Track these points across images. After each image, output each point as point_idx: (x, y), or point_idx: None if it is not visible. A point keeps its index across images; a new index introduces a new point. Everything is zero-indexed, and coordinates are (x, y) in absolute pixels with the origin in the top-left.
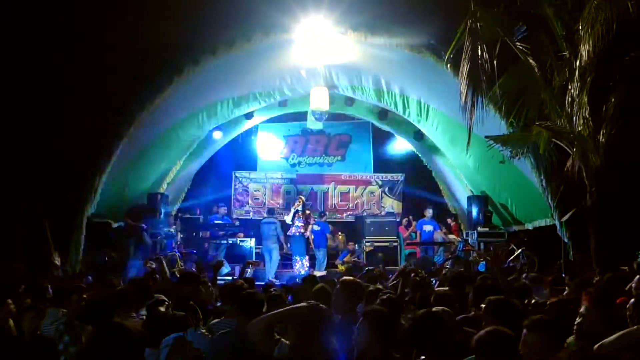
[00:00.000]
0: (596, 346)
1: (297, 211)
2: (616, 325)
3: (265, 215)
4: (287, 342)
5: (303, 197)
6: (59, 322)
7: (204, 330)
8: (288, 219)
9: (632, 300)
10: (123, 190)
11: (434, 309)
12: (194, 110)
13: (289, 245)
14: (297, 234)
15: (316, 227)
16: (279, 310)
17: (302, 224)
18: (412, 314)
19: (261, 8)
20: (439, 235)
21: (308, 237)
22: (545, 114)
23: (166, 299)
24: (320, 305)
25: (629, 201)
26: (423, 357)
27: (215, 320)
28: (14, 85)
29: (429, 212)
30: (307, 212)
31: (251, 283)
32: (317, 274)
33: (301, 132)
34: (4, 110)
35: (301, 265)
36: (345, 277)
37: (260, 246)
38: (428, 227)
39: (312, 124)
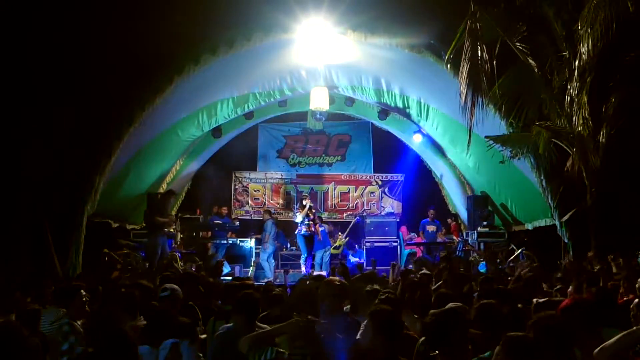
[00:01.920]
0: (597, 350)
1: (309, 208)
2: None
3: (267, 215)
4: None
5: (309, 196)
6: (61, 322)
7: (203, 335)
8: (299, 216)
9: (636, 300)
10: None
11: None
12: (194, 110)
13: (289, 245)
14: (308, 232)
15: (321, 228)
16: (268, 329)
17: (311, 222)
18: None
19: (261, 8)
20: (442, 236)
21: (318, 236)
22: (545, 114)
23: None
24: (310, 319)
25: (628, 201)
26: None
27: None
28: (14, 85)
29: (432, 213)
30: (314, 210)
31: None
32: (320, 273)
33: (301, 132)
34: (4, 110)
35: (308, 265)
36: (329, 278)
37: (260, 246)
38: (431, 228)
39: (312, 124)
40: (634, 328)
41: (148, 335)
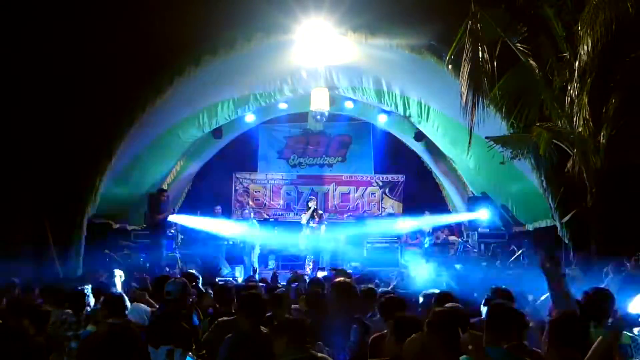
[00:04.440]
0: None
1: (314, 210)
2: None
3: (251, 214)
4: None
5: (315, 198)
6: (67, 323)
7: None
8: (304, 218)
9: None
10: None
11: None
12: (194, 110)
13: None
14: (312, 234)
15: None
16: None
17: (316, 224)
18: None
19: (262, 9)
20: (441, 235)
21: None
22: (545, 115)
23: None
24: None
25: (629, 202)
26: None
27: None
28: (15, 85)
29: (428, 214)
30: (320, 212)
31: None
32: (320, 274)
33: (302, 132)
34: (4, 110)
35: (314, 267)
36: (336, 280)
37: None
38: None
39: (313, 125)
40: (599, 338)
41: (151, 336)
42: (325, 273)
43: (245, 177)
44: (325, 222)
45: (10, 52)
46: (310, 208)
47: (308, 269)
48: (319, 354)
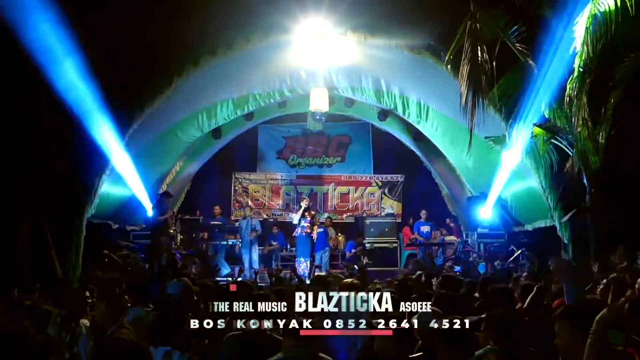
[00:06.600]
0: None
1: (305, 209)
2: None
3: (252, 214)
4: None
5: (307, 198)
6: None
7: None
8: (296, 218)
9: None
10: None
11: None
12: (193, 111)
13: (288, 247)
14: (304, 234)
15: (320, 229)
16: None
17: (308, 224)
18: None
19: (261, 9)
20: (438, 236)
21: (313, 238)
22: (544, 115)
23: None
24: None
25: (628, 202)
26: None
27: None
28: (14, 85)
29: (424, 213)
30: (313, 212)
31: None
32: (319, 274)
33: (301, 133)
34: (3, 110)
35: (306, 267)
36: (344, 280)
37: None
38: (425, 228)
39: (312, 125)
40: (589, 340)
41: (152, 336)
42: (323, 273)
43: (244, 177)
44: (318, 223)
45: (10, 53)
46: (302, 207)
47: (300, 269)
48: (321, 354)
